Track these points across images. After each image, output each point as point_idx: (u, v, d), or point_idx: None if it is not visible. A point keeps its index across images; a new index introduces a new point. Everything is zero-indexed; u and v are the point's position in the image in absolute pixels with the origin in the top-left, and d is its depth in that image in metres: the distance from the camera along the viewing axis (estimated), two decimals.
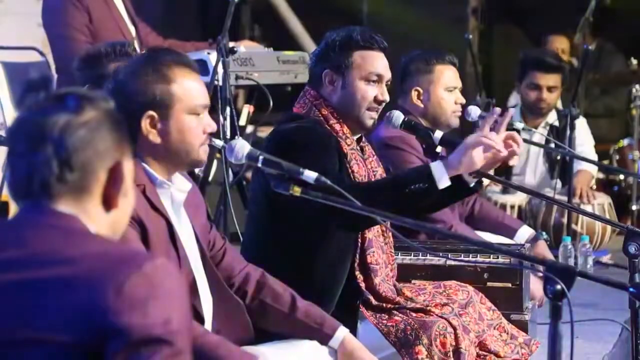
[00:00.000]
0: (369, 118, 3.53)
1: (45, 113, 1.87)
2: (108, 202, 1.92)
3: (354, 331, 3.32)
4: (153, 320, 1.75)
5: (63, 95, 1.89)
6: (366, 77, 3.50)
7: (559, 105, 6.94)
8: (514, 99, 7.29)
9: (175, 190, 2.86)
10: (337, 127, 3.49)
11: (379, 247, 3.53)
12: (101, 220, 1.92)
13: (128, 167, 1.94)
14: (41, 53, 5.75)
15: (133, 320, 1.74)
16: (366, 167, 3.56)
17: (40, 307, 1.76)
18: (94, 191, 1.89)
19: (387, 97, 3.55)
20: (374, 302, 3.45)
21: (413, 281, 3.80)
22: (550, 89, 6.52)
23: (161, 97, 2.78)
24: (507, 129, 3.41)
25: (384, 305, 3.46)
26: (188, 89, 2.81)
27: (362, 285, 3.46)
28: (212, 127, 2.86)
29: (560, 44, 8.46)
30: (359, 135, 3.60)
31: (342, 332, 3.07)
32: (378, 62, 3.52)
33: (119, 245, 1.90)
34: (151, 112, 2.77)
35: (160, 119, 2.77)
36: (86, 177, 1.88)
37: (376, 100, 3.51)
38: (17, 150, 1.89)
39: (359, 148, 3.56)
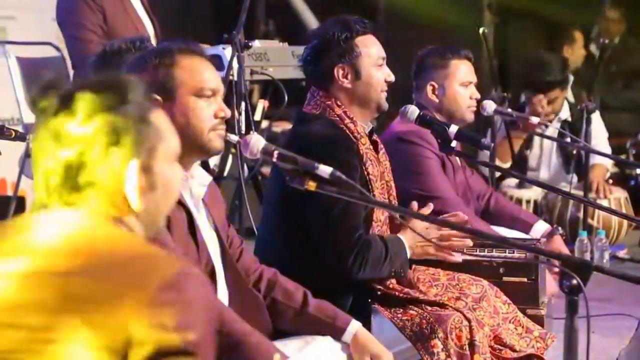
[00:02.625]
0: (384, 99, 3.59)
1: (51, 122, 1.85)
2: (127, 203, 1.88)
3: (367, 327, 3.33)
4: (178, 331, 1.73)
5: (70, 101, 1.86)
6: (376, 63, 3.55)
7: (571, 98, 6.91)
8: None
9: (195, 184, 2.86)
10: (352, 126, 3.51)
11: None
12: (129, 220, 1.89)
13: (152, 163, 1.89)
14: (57, 48, 5.76)
15: (157, 330, 1.72)
16: (379, 162, 3.59)
17: (64, 310, 1.74)
18: (109, 197, 1.86)
19: (393, 77, 3.61)
20: (382, 289, 3.45)
21: (427, 267, 3.77)
22: (549, 102, 6.49)
23: (164, 80, 2.75)
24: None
25: (395, 294, 3.46)
26: (193, 71, 2.78)
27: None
28: (226, 112, 2.82)
29: (579, 38, 8.44)
30: (370, 128, 3.61)
31: (355, 326, 3.07)
32: (379, 46, 3.59)
33: (148, 250, 1.85)
34: (155, 96, 2.71)
35: (164, 103, 2.71)
36: (94, 188, 1.85)
37: (385, 81, 3.58)
38: (34, 153, 1.88)
39: (371, 146, 3.57)
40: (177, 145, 1.96)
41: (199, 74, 2.80)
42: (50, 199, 1.87)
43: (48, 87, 1.88)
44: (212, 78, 2.82)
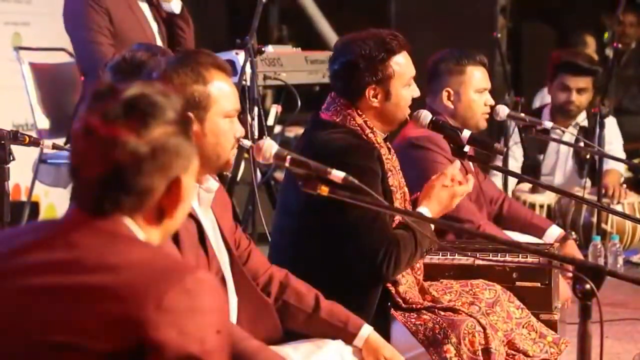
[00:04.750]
0: (406, 115, 3.60)
1: (108, 130, 1.82)
2: (163, 214, 1.89)
3: (387, 333, 3.32)
4: (190, 337, 1.73)
5: (129, 108, 1.84)
6: (406, 83, 3.53)
7: None
8: (541, 98, 7.25)
9: (203, 191, 2.86)
10: (372, 136, 3.50)
11: None
12: (152, 230, 1.89)
13: (188, 179, 1.90)
14: (70, 54, 5.78)
15: (170, 336, 1.72)
16: (397, 171, 3.58)
17: (79, 313, 1.75)
18: (150, 206, 1.87)
19: (418, 93, 3.61)
20: (403, 305, 3.45)
21: (441, 280, 3.79)
22: (579, 91, 6.45)
23: (199, 98, 2.75)
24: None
25: (413, 306, 3.45)
26: (224, 91, 2.80)
27: (392, 290, 3.45)
28: (241, 131, 2.86)
29: (591, 42, 8.43)
30: (385, 136, 3.61)
31: (367, 330, 3.07)
32: (411, 65, 3.57)
33: (163, 255, 1.86)
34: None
35: (196, 121, 2.72)
36: (143, 198, 1.85)
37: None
38: (81, 158, 1.86)
39: (390, 156, 3.57)
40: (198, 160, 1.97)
41: (229, 94, 2.81)
42: (93, 202, 1.85)
43: (107, 93, 1.86)
44: (236, 99, 2.84)
